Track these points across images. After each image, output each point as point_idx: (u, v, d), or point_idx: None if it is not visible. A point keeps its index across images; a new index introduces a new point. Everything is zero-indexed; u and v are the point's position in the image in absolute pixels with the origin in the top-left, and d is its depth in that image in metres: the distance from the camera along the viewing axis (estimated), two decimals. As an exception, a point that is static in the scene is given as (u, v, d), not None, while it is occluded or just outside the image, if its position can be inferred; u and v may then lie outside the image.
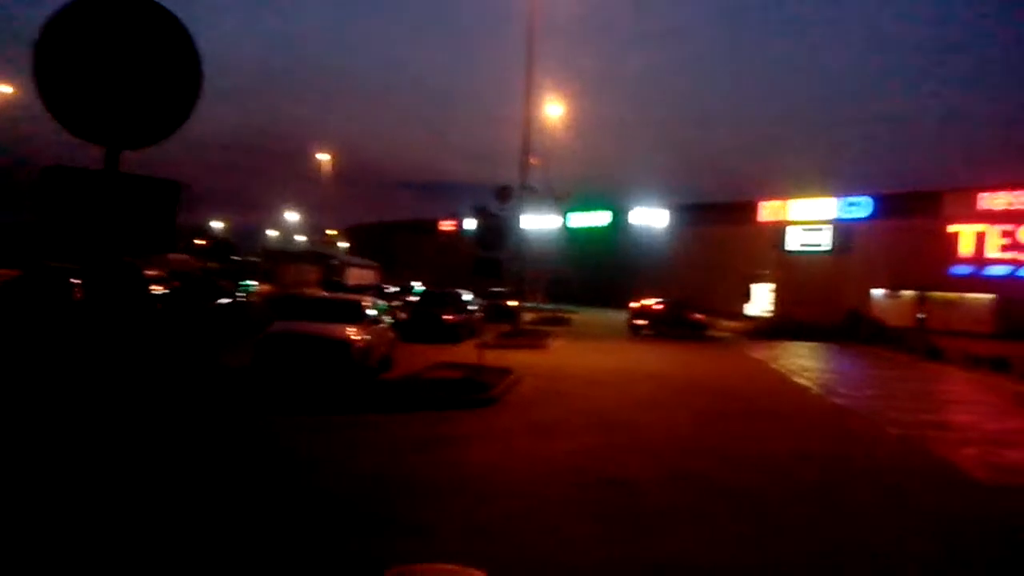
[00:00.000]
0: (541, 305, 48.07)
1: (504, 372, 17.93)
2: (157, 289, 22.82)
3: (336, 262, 61.88)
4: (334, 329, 16.31)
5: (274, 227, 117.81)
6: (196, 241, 79.31)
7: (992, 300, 47.32)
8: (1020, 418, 17.18)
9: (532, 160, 33.68)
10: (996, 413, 17.69)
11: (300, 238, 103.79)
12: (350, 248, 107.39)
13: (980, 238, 48.60)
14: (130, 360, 13.38)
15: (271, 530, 6.94)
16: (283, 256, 60.14)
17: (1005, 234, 47.51)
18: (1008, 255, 47.34)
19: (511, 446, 11.19)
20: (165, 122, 5.11)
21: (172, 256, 35.37)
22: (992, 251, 48.01)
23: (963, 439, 13.70)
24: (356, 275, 58.94)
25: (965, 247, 49.07)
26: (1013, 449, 12.90)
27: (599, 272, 74.77)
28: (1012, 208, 47.73)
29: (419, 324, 27.81)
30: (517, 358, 21.87)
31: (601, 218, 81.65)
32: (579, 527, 7.58)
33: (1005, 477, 10.90)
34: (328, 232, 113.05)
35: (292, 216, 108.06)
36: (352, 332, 16.38)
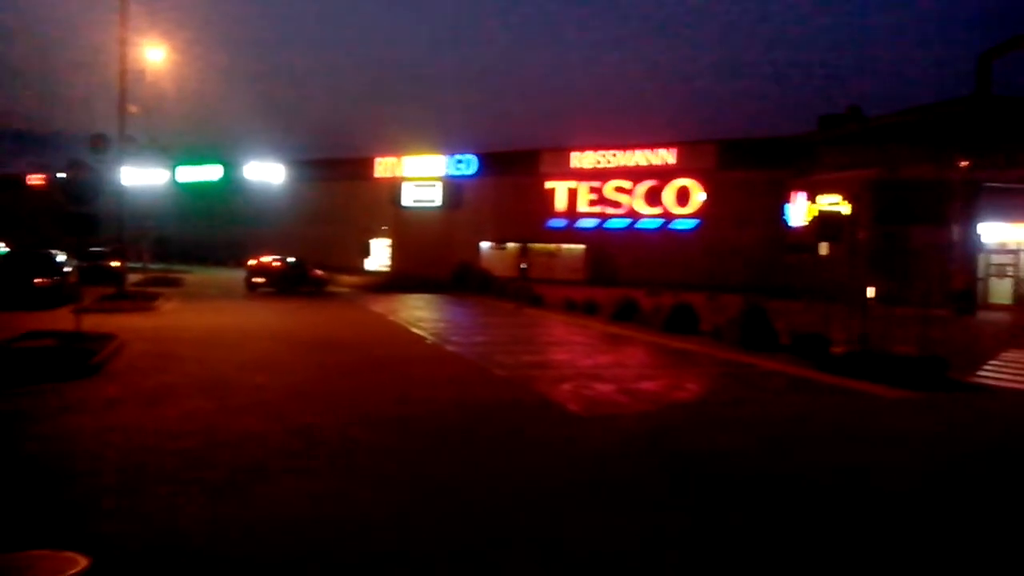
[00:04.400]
0: (149, 265, 44.87)
1: (107, 338, 16.52)
2: None
3: None
4: None
5: None
6: None
7: (584, 250, 52.43)
8: (607, 354, 19.22)
9: (131, 108, 31.17)
10: (588, 351, 19.64)
11: None
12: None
13: (572, 194, 53.63)
14: None
15: None
16: None
17: (593, 190, 52.85)
18: (596, 209, 52.73)
19: (114, 417, 10.30)
20: None
21: None
22: (583, 205, 53.20)
23: (560, 376, 15.05)
24: (-81, 237, 50.95)
25: (560, 202, 53.89)
26: (602, 383, 14.38)
27: (213, 229, 71.33)
28: (599, 167, 53.13)
29: (4, 290, 24.81)
30: (123, 322, 20.36)
31: (213, 172, 77.32)
32: (185, 497, 7.15)
33: (595, 408, 12.14)
34: None
35: None
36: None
